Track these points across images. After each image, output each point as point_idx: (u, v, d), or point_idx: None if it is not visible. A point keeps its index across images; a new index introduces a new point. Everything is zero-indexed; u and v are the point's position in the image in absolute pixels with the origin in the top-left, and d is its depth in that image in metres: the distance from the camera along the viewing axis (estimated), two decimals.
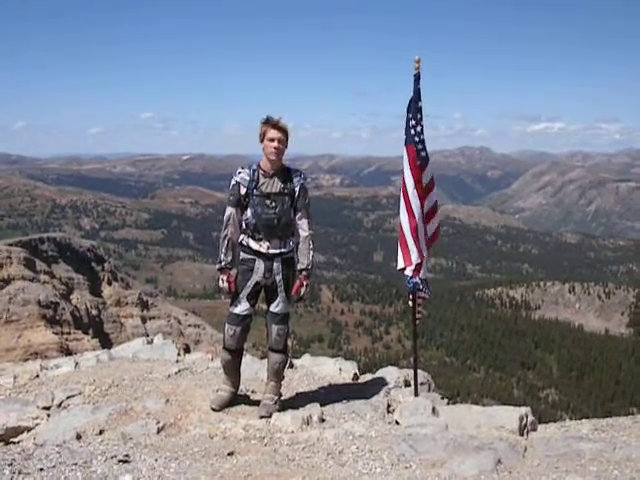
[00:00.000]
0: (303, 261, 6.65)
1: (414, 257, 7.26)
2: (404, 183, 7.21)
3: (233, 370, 6.91)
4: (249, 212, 6.50)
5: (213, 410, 6.68)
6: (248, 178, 6.49)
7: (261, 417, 6.52)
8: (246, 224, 6.56)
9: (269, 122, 6.39)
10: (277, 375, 6.87)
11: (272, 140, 6.36)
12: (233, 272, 6.67)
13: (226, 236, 6.60)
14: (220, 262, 6.63)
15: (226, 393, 6.87)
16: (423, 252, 7.27)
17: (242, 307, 6.61)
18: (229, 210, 6.58)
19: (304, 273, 6.66)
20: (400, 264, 7.36)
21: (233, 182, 6.57)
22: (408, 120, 7.10)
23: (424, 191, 7.16)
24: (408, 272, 7.32)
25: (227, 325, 6.70)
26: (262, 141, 6.45)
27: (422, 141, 7.09)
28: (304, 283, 6.65)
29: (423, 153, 7.10)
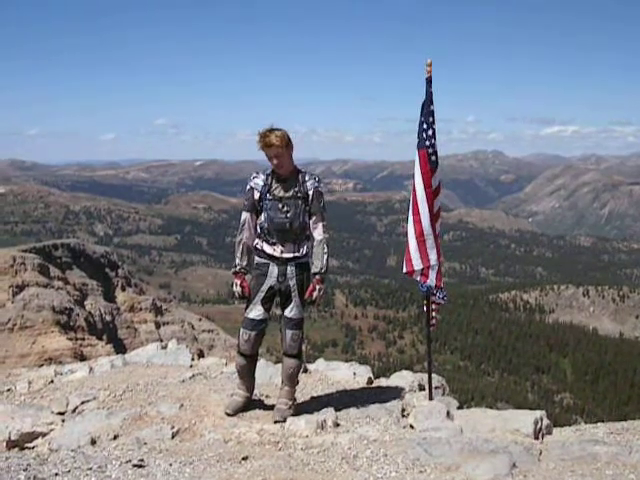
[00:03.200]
0: (317, 264, 6.58)
1: (416, 262, 7.28)
2: (414, 188, 7.22)
3: (248, 375, 6.86)
4: (263, 216, 6.49)
5: (227, 415, 6.65)
6: (262, 183, 6.49)
7: (275, 422, 6.48)
8: (260, 228, 6.55)
9: (262, 141, 6.35)
10: (291, 380, 6.82)
11: (271, 159, 6.39)
12: (248, 277, 6.64)
13: (241, 240, 6.59)
14: (235, 266, 6.62)
15: (240, 398, 6.83)
16: (430, 257, 7.26)
17: (257, 312, 6.57)
18: (244, 215, 6.59)
19: (317, 277, 6.58)
20: (404, 268, 7.39)
21: (248, 187, 6.58)
22: (421, 124, 7.11)
23: (433, 195, 7.15)
24: (417, 277, 7.34)
25: (242, 330, 6.64)
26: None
27: (433, 145, 7.07)
28: (317, 287, 6.57)
29: (433, 157, 7.08)
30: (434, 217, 7.21)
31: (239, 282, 6.58)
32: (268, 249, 6.53)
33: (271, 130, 6.33)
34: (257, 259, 6.61)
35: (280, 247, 6.49)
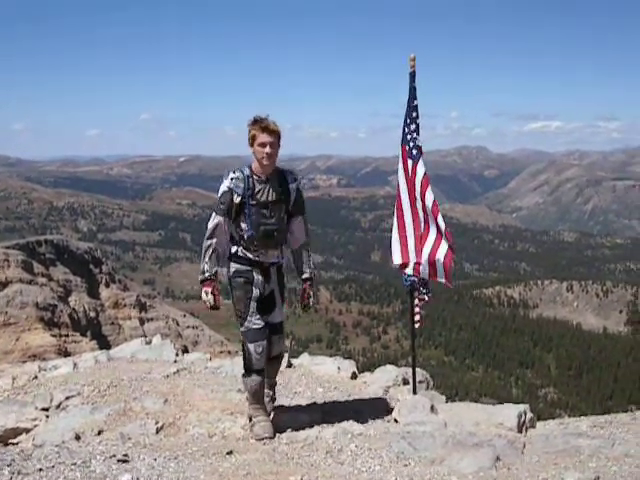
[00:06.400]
0: (305, 270, 6.34)
1: (396, 256, 7.30)
2: (398, 183, 7.24)
3: (262, 393, 6.35)
4: (245, 224, 5.99)
5: (269, 439, 6.01)
6: (242, 185, 5.92)
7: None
8: (240, 236, 6.05)
9: (258, 124, 5.85)
10: (275, 374, 6.67)
11: (264, 145, 5.83)
12: (217, 284, 6.15)
13: (210, 246, 6.02)
14: (203, 273, 6.05)
15: (267, 419, 6.25)
16: (409, 254, 7.26)
17: (258, 320, 6.09)
18: (217, 219, 5.99)
19: (308, 282, 6.36)
20: (394, 260, 7.40)
21: (224, 188, 5.98)
22: (405, 119, 7.11)
23: (417, 190, 7.06)
24: (399, 267, 7.35)
25: (251, 345, 6.08)
26: (252, 145, 5.92)
27: (414, 139, 7.05)
28: (310, 292, 6.36)
29: (414, 151, 7.04)
30: (416, 212, 7.17)
31: (210, 290, 6.04)
32: (252, 256, 6.07)
33: (266, 118, 5.89)
34: (237, 266, 6.13)
35: (264, 255, 6.07)
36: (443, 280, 7.19)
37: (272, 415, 6.42)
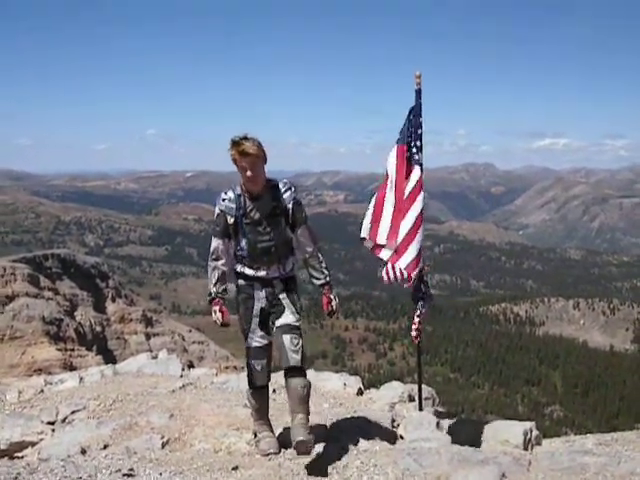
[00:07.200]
0: (319, 276, 6.17)
1: (364, 230, 7.65)
2: (386, 172, 7.41)
3: (266, 410, 6.31)
4: (242, 242, 5.95)
5: (274, 454, 5.98)
6: (234, 205, 5.90)
7: (300, 453, 5.65)
8: (241, 256, 6.01)
9: (235, 148, 5.68)
10: (304, 402, 5.96)
11: (245, 169, 5.72)
12: (225, 301, 6.07)
13: (215, 268, 6.03)
14: (210, 294, 6.03)
15: (272, 436, 6.21)
16: (379, 235, 7.48)
17: (259, 338, 5.99)
18: (215, 242, 6.01)
19: (327, 287, 6.17)
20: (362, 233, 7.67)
21: (217, 211, 6.00)
22: (405, 124, 7.17)
23: (407, 191, 7.10)
24: (369, 245, 7.58)
25: (252, 362, 6.01)
26: (236, 166, 5.82)
27: (417, 153, 7.08)
28: (331, 296, 6.15)
29: (416, 157, 7.08)
30: (400, 209, 7.22)
31: (218, 308, 5.98)
32: (251, 272, 5.98)
33: (245, 138, 5.70)
34: (241, 282, 6.08)
35: (264, 270, 5.97)
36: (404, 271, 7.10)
37: (277, 432, 6.33)
